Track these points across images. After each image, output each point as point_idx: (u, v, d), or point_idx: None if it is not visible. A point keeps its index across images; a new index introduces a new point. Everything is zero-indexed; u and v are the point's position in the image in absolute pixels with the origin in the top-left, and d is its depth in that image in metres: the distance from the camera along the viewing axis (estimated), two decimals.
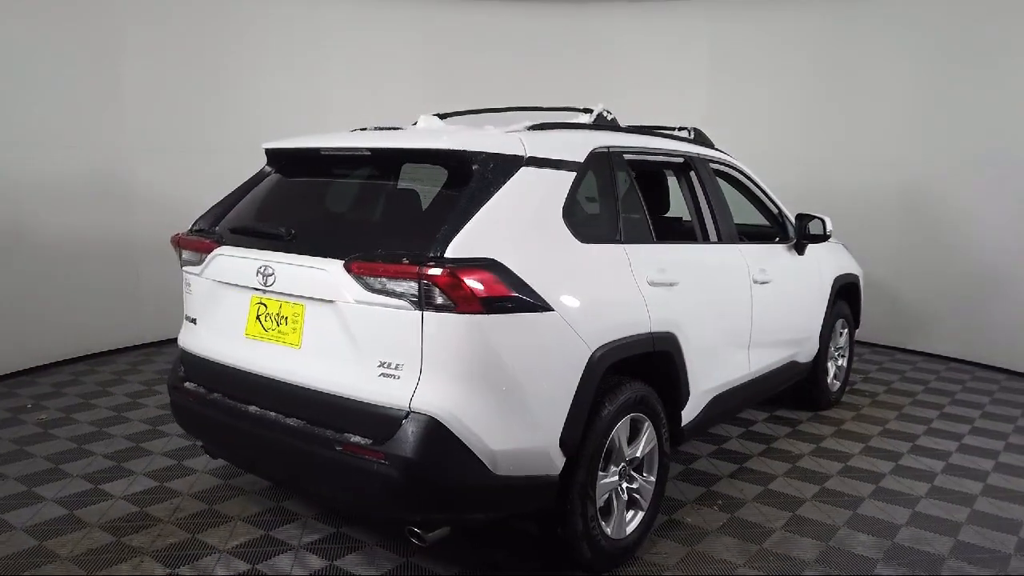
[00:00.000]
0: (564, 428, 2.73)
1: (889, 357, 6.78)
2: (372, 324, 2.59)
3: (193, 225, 3.32)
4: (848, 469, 4.17)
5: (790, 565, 3.15)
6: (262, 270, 2.83)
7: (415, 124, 3.73)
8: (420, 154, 3.00)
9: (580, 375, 2.78)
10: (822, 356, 4.97)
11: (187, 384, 3.23)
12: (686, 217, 4.16)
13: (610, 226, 3.21)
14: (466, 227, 2.57)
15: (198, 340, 3.18)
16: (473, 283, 2.47)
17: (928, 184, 6.66)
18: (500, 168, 2.78)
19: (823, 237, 4.56)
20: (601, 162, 3.26)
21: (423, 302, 2.48)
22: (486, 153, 2.79)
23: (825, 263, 4.97)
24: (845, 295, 5.29)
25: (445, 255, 2.50)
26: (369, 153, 3.07)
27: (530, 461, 2.67)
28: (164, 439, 4.41)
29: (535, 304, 2.63)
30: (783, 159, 6.99)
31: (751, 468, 4.17)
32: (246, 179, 3.48)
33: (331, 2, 7.62)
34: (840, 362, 5.37)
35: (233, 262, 2.98)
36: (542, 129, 3.15)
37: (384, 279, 2.54)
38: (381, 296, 2.55)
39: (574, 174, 3.03)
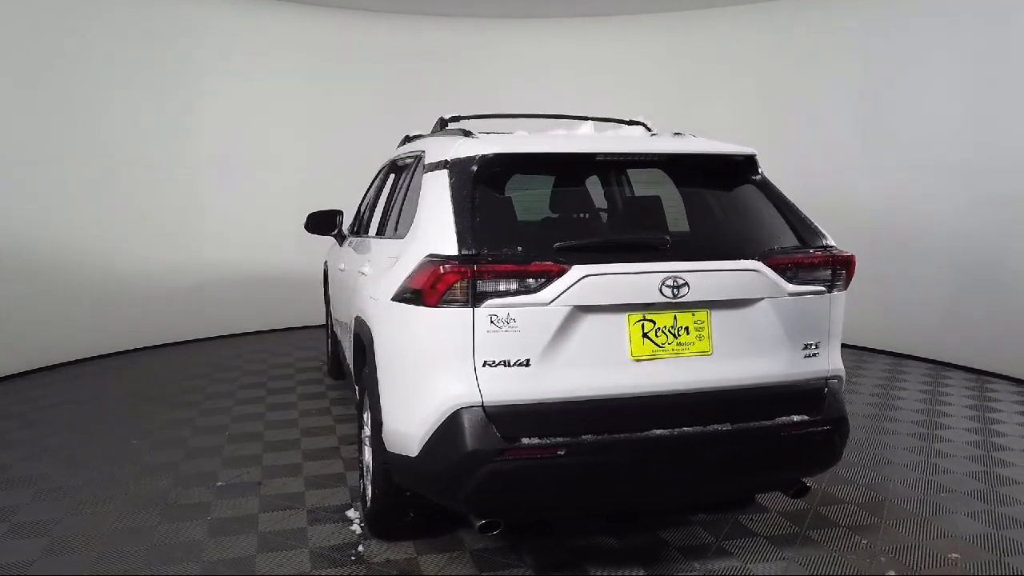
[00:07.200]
0: None
1: None
2: (798, 312, 2.84)
3: (464, 249, 2.62)
4: None
5: None
6: (669, 282, 2.67)
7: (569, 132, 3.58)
8: (713, 158, 3.17)
9: None
10: None
11: (524, 442, 2.61)
12: None
13: None
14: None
15: (543, 383, 2.63)
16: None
17: None
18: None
19: None
20: None
21: (832, 285, 2.94)
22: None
23: None
24: None
25: (830, 244, 2.99)
26: (663, 157, 3.07)
27: None
28: None
29: None
30: None
31: None
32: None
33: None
34: None
35: (620, 280, 2.65)
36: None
37: (809, 270, 2.86)
38: (805, 286, 2.85)
39: None
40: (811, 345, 2.92)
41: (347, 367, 4.48)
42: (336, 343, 5.71)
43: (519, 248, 2.66)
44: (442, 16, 8.33)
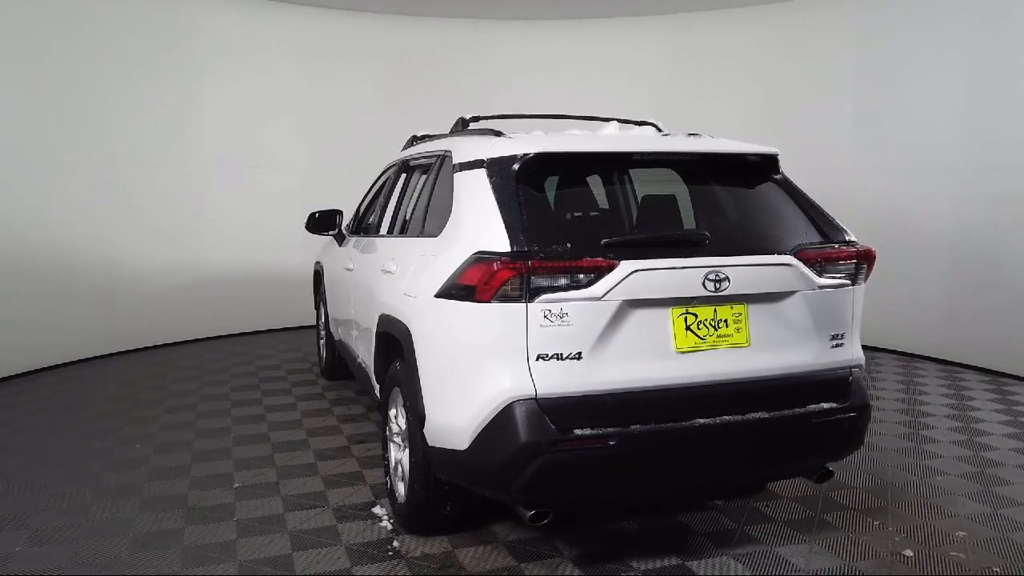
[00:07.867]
0: None
1: None
2: (826, 304, 2.98)
3: (516, 246, 2.68)
4: None
5: None
6: (711, 276, 2.78)
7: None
8: (742, 157, 3.29)
9: None
10: None
11: (576, 432, 2.68)
12: None
13: None
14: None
15: (594, 376, 2.71)
16: None
17: None
18: None
19: None
20: None
21: (856, 278, 3.09)
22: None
23: None
24: None
25: (852, 239, 3.14)
26: (696, 156, 3.18)
27: None
28: None
29: None
30: None
31: None
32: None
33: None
34: None
35: (665, 275, 2.74)
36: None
37: (836, 264, 3.01)
38: (833, 278, 3.00)
39: None
40: (837, 336, 3.06)
41: (361, 365, 4.48)
42: (332, 343, 5.69)
43: (568, 244, 2.74)
44: (442, 16, 8.35)
